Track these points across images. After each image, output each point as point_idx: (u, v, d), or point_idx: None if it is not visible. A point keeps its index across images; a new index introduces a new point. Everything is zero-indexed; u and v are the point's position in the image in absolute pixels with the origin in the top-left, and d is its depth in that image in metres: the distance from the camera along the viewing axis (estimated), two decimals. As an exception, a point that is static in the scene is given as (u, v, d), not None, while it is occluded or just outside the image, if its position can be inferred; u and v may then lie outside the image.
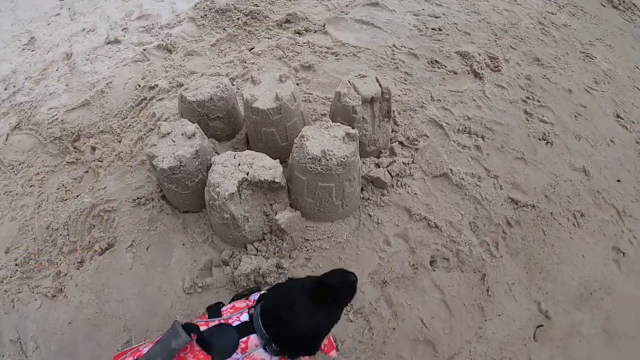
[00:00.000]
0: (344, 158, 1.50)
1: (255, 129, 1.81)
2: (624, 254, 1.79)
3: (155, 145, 1.63)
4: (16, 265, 1.81)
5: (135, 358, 1.07)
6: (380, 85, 1.79)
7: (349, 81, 1.82)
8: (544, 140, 2.13)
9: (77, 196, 2.03)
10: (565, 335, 1.55)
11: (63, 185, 2.10)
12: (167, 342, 0.98)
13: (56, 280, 1.74)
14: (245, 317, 1.09)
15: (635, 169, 2.13)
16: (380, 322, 1.51)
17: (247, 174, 1.51)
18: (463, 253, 1.67)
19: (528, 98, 2.35)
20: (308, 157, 1.51)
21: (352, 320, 1.51)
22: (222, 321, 1.09)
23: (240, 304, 1.17)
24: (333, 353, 1.18)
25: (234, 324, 1.07)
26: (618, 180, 2.04)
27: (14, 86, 2.71)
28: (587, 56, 2.78)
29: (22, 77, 2.77)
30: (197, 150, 1.60)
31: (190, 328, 1.02)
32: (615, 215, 1.90)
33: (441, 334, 1.50)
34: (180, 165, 1.57)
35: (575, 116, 2.30)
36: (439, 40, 2.72)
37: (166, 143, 1.63)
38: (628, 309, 1.64)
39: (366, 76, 1.83)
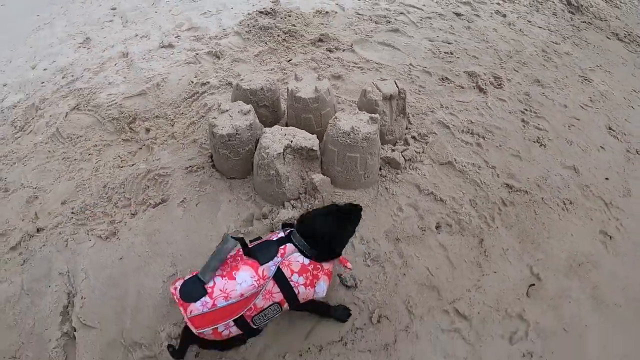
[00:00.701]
0: (367, 134, 2.11)
1: (296, 115, 2.45)
2: (610, 237, 2.24)
3: (215, 118, 2.27)
4: (72, 213, 2.30)
5: (192, 275, 1.51)
6: (397, 87, 2.45)
7: (373, 82, 2.49)
8: (538, 143, 2.74)
9: (133, 165, 2.62)
10: (556, 296, 1.99)
11: (119, 156, 2.70)
12: (219, 250, 1.47)
13: (110, 225, 2.24)
14: (281, 234, 1.62)
15: (624, 171, 2.67)
16: (393, 269, 2.01)
17: (291, 142, 2.12)
18: (464, 221, 2.20)
19: (526, 110, 3.00)
20: (340, 131, 2.13)
21: (369, 266, 2.01)
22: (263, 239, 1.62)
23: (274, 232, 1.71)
24: (349, 264, 1.76)
25: (273, 239, 1.59)
26: (606, 179, 2.58)
27: (72, 75, 3.44)
28: (586, 79, 3.47)
29: (80, 68, 3.52)
30: (250, 124, 2.23)
31: (237, 238, 1.52)
32: (603, 206, 2.41)
33: (444, 282, 1.98)
34: (236, 133, 2.19)
35: (568, 126, 2.93)
36: (450, 62, 3.47)
37: (225, 117, 2.27)
38: (615, 283, 2.05)
39: (387, 80, 2.51)
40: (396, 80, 2.48)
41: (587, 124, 3.00)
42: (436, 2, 4.36)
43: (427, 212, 2.24)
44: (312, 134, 2.34)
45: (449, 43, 3.70)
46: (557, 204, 2.38)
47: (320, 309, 1.76)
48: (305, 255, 1.54)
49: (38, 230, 2.26)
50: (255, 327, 1.51)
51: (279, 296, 1.49)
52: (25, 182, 2.58)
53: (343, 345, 1.76)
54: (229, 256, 1.52)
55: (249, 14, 3.81)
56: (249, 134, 2.23)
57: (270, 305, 1.49)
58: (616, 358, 1.80)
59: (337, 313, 1.81)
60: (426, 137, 2.65)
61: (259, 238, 1.69)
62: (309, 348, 1.75)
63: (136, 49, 3.58)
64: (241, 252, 1.52)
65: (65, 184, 2.55)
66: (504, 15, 4.31)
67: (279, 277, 1.48)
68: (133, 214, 2.31)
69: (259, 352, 1.73)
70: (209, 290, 1.40)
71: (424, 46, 3.63)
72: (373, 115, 2.18)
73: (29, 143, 2.89)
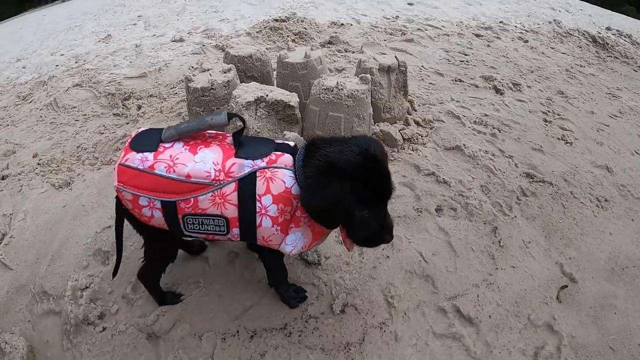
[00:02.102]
0: (354, 91, 1.78)
1: (283, 83, 2.19)
2: None
3: (195, 75, 2.05)
4: (38, 164, 2.13)
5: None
6: (397, 60, 2.16)
7: (370, 55, 2.23)
8: (563, 140, 2.27)
9: (114, 132, 2.42)
10: (597, 305, 1.42)
11: (104, 125, 2.51)
12: (204, 117, 1.02)
13: (67, 176, 2.01)
14: (290, 143, 1.11)
15: None
16: (373, 249, 1.52)
17: (267, 95, 1.82)
18: (472, 206, 1.71)
19: (548, 111, 2.58)
20: (323, 88, 1.82)
21: (341, 243, 1.54)
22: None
23: None
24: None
25: (276, 140, 1.10)
26: None
27: (84, 61, 3.48)
28: (613, 96, 3.05)
29: (94, 55, 3.57)
30: (228, 81, 1.98)
31: (235, 115, 1.05)
32: None
33: (443, 272, 1.46)
34: (211, 88, 1.93)
35: (597, 130, 2.46)
36: (465, 68, 3.18)
37: (204, 74, 2.05)
38: None
39: (386, 54, 2.24)
40: (397, 55, 2.20)
41: (618, 130, 2.52)
42: (456, 25, 4.24)
43: (426, 193, 1.78)
44: (300, 107, 2.05)
45: (465, 54, 3.45)
46: (590, 200, 1.86)
47: (271, 267, 1.26)
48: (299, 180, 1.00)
49: (2, 177, 2.10)
50: (185, 232, 1.04)
51: (231, 212, 0.99)
52: (10, 140, 2.49)
53: (285, 336, 1.25)
54: (213, 133, 1.10)
55: (263, 21, 3.82)
56: (226, 91, 1.97)
57: (216, 218, 1.00)
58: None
59: (287, 293, 1.32)
60: (431, 123, 2.27)
61: None
62: (238, 331, 1.25)
63: (149, 42, 3.62)
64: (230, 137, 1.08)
65: (43, 142, 2.42)
66: (526, 41, 4.08)
67: (246, 187, 0.98)
68: (97, 170, 2.06)
69: (171, 326, 1.26)
70: (159, 150, 1.00)
71: (439, 55, 3.40)
72: (364, 75, 1.87)
73: (26, 110, 2.86)
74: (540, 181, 1.91)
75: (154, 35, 3.86)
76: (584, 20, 5.48)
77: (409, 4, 4.72)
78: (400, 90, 2.19)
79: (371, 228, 0.97)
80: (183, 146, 1.02)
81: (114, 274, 1.27)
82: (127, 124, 2.56)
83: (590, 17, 5.79)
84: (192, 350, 1.22)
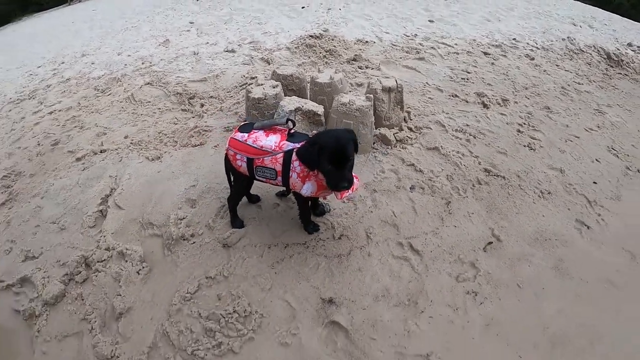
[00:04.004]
0: (361, 106, 2.80)
1: (314, 96, 3.25)
2: (588, 227, 2.44)
3: (252, 87, 3.16)
4: (131, 143, 3.26)
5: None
6: (397, 83, 3.16)
7: (377, 77, 3.24)
8: (528, 147, 3.15)
9: (185, 124, 3.58)
10: (515, 258, 2.24)
11: (176, 117, 3.67)
12: (274, 119, 2.09)
13: (157, 152, 3.13)
14: None
15: (618, 181, 2.85)
16: (363, 206, 2.52)
17: (302, 106, 2.88)
18: (436, 187, 2.67)
19: (524, 123, 3.45)
20: (340, 103, 2.85)
21: (345, 202, 2.56)
22: None
23: None
24: (341, 197, 2.03)
25: (311, 136, 2.01)
26: (594, 182, 2.82)
27: (150, 63, 4.72)
28: (599, 112, 3.80)
29: (158, 58, 4.81)
30: (276, 94, 3.07)
31: (290, 120, 2.10)
32: (585, 202, 2.63)
33: (405, 223, 2.43)
34: (264, 98, 3.03)
35: (565, 140, 3.29)
36: (464, 85, 4.10)
37: (259, 88, 3.15)
38: (586, 263, 2.18)
39: (389, 77, 3.24)
40: (397, 79, 3.19)
41: (586, 142, 3.31)
42: (468, 43, 5.13)
43: (405, 177, 2.76)
44: (324, 115, 3.09)
45: (467, 72, 4.36)
46: (534, 192, 2.72)
47: (301, 208, 2.28)
48: None
49: (102, 151, 3.25)
50: (256, 176, 2.09)
51: (279, 167, 2.00)
52: (99, 124, 3.68)
53: (305, 248, 2.28)
54: (281, 129, 2.13)
55: (300, 37, 4.92)
56: (274, 101, 3.05)
57: (271, 169, 2.01)
58: (571, 324, 1.92)
59: (308, 225, 2.35)
60: (421, 130, 3.24)
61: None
62: (277, 244, 2.29)
63: (205, 50, 4.82)
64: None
65: (129, 128, 3.57)
66: (532, 58, 4.89)
67: (288, 156, 1.98)
68: (176, 150, 3.20)
69: (238, 240, 2.33)
70: (251, 132, 2.05)
71: (444, 72, 4.34)
72: (368, 94, 2.88)
73: (107, 101, 4.08)
74: (495, 175, 2.82)
75: (207, 43, 5.08)
76: (606, 35, 6.13)
77: (429, 21, 5.66)
78: (398, 105, 3.18)
79: (332, 177, 1.84)
80: (262, 133, 2.08)
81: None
82: (194, 117, 3.71)
83: (614, 32, 6.40)
84: (250, 253, 2.27)
